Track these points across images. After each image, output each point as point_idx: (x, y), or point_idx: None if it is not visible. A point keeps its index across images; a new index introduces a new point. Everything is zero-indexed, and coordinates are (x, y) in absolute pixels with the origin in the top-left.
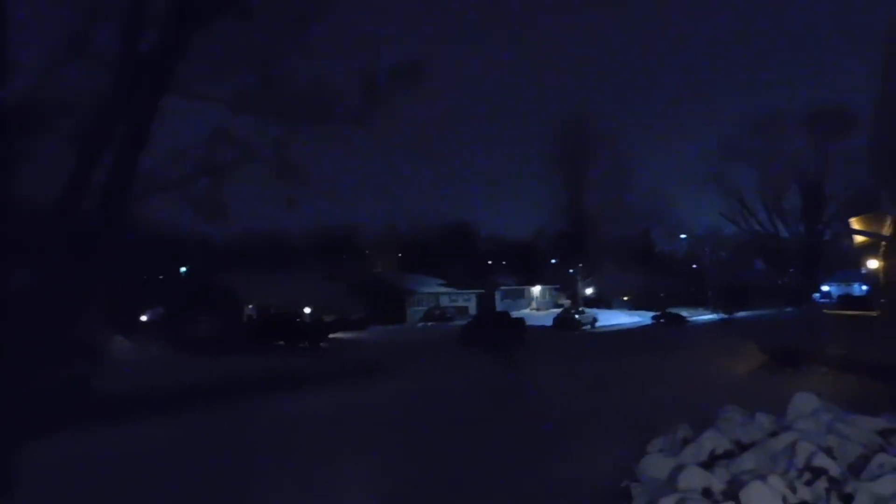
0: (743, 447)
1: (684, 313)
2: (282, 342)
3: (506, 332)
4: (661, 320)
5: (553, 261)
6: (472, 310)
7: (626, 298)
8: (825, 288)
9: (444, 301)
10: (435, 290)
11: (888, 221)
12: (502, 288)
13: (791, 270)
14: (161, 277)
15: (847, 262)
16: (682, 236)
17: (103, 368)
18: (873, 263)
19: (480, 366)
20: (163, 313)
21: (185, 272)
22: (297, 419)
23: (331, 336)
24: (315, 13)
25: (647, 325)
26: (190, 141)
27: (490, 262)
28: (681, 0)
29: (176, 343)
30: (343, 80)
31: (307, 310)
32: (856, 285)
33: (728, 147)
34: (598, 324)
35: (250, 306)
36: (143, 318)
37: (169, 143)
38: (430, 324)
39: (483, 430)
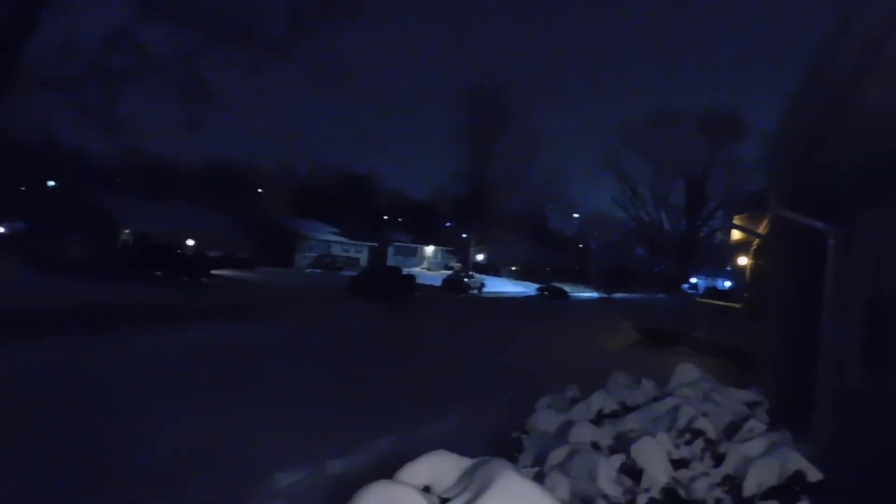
0: (628, 409)
1: (567, 288)
2: (159, 273)
3: (395, 286)
4: (545, 293)
5: (448, 224)
6: (364, 262)
7: (514, 268)
8: (693, 280)
9: (336, 250)
10: (327, 238)
11: (765, 222)
12: (396, 243)
13: (667, 260)
14: (23, 189)
15: (714, 259)
16: (575, 215)
17: None
18: (743, 260)
19: (367, 316)
20: (23, 229)
21: (53, 186)
22: (166, 354)
23: (214, 272)
24: None
25: (531, 296)
26: (87, 39)
27: (386, 217)
28: None
29: (36, 263)
30: (271, 4)
31: (190, 242)
32: (720, 280)
33: (627, 137)
34: (485, 289)
35: (127, 231)
36: None
37: (61, 37)
38: (318, 271)
39: (367, 378)
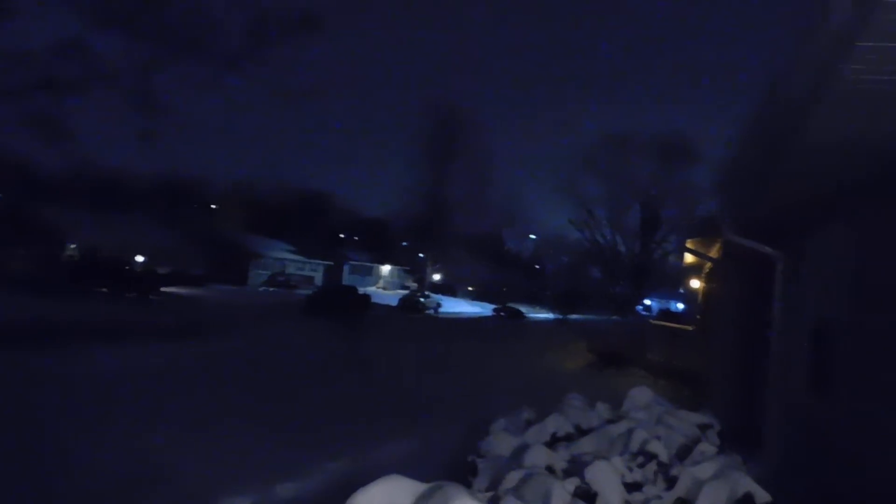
0: (583, 432)
1: (523, 309)
2: (105, 289)
3: (350, 306)
4: (501, 313)
5: (405, 243)
6: (319, 281)
7: (470, 288)
8: (647, 301)
9: (291, 268)
10: (282, 256)
11: (716, 246)
12: (351, 262)
13: (622, 282)
14: None
15: (668, 281)
16: (531, 237)
17: None
18: (695, 283)
19: (321, 336)
20: None
21: None
22: (102, 374)
23: (164, 289)
24: None
25: (487, 317)
26: (36, 49)
27: (342, 236)
28: (567, 12)
29: None
30: (229, 18)
31: (140, 258)
32: (673, 302)
33: (583, 160)
34: (441, 309)
35: (73, 246)
36: None
37: (8, 46)
38: (272, 289)
39: (318, 399)
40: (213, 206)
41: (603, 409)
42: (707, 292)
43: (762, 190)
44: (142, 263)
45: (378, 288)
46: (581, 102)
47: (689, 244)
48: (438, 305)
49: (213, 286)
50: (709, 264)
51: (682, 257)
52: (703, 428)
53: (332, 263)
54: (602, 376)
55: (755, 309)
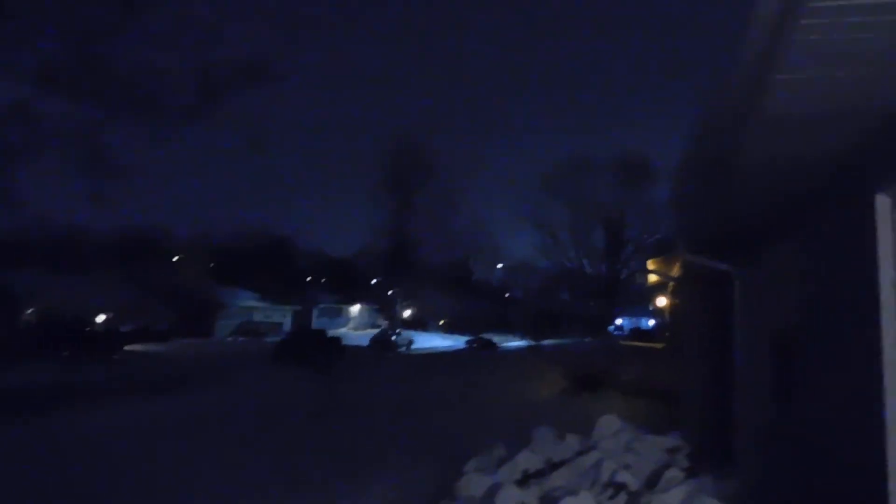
0: (554, 465)
1: (496, 339)
2: (66, 352)
3: (320, 350)
4: (474, 345)
5: (374, 281)
6: (288, 326)
7: (441, 322)
8: (619, 321)
9: (258, 316)
10: (248, 304)
11: (678, 265)
12: (320, 305)
13: (592, 303)
14: None
15: (638, 300)
16: (499, 265)
17: None
18: (661, 301)
19: (292, 384)
20: None
21: None
22: (59, 441)
23: (127, 347)
24: None
25: (460, 349)
26: None
27: (309, 278)
28: (520, 38)
29: None
30: (175, 72)
31: (101, 317)
32: (644, 320)
33: (546, 185)
34: (413, 346)
35: (30, 310)
36: None
37: None
38: (240, 339)
39: (286, 452)
40: (175, 259)
41: (573, 441)
42: (673, 310)
43: (709, 209)
44: (103, 323)
45: (349, 329)
46: (542, 128)
47: (650, 263)
48: (411, 342)
49: (179, 340)
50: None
51: (646, 276)
52: (672, 451)
53: (300, 308)
54: (576, 402)
55: (718, 325)
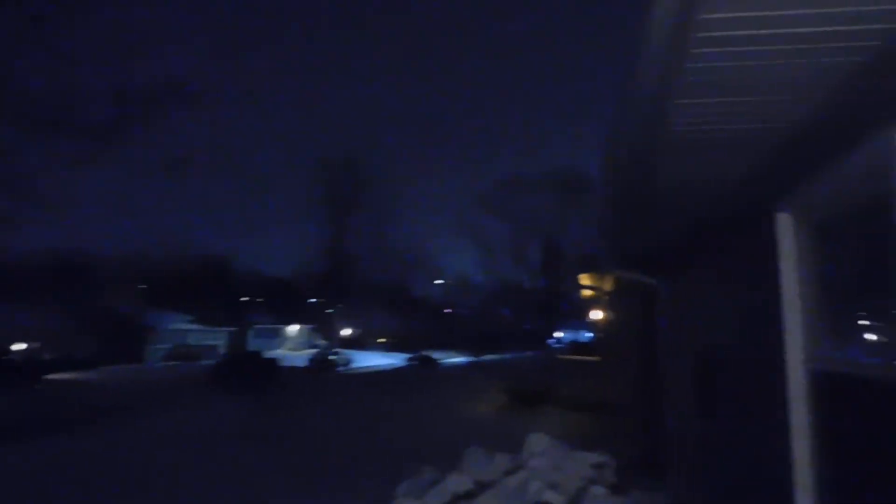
0: (483, 486)
1: (436, 355)
2: None
3: (256, 373)
4: (415, 362)
5: (312, 300)
6: (223, 349)
7: (381, 340)
8: (558, 334)
9: (192, 339)
10: (181, 327)
11: (610, 279)
12: (257, 326)
13: (532, 318)
14: None
15: (577, 313)
16: (439, 281)
17: None
18: (597, 314)
19: (225, 409)
20: None
21: None
22: None
23: (49, 376)
24: (57, 14)
25: (400, 367)
26: None
27: (245, 299)
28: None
29: None
30: (93, 91)
31: (20, 346)
32: (583, 333)
33: (485, 201)
34: (353, 365)
35: None
36: None
37: None
38: (173, 363)
39: (213, 482)
40: (104, 282)
41: (502, 460)
42: (607, 323)
43: (627, 227)
44: (22, 351)
45: (286, 350)
46: (480, 145)
47: (584, 278)
48: (350, 361)
49: (107, 368)
50: (607, 294)
51: (579, 290)
52: (599, 467)
53: (235, 329)
54: (514, 418)
55: (648, 338)
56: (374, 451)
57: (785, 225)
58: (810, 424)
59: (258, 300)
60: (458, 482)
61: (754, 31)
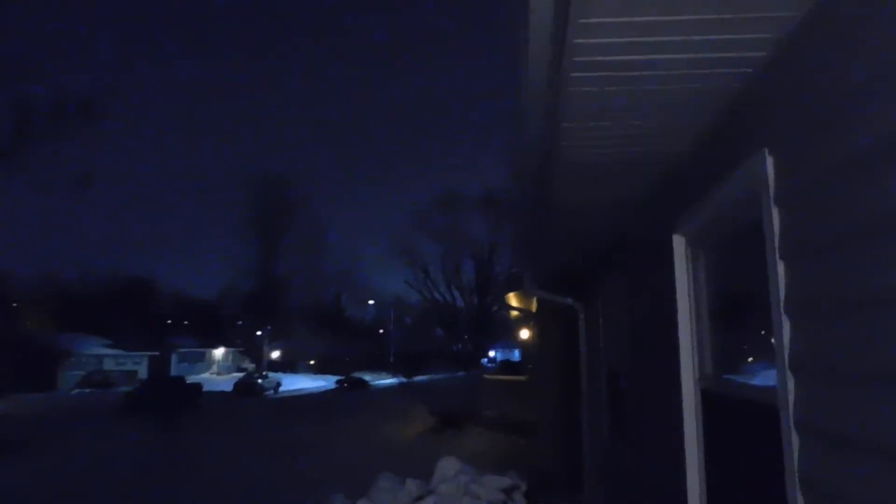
0: None
1: (367, 377)
2: None
3: (177, 399)
4: (345, 384)
5: (239, 322)
6: (144, 374)
7: (312, 362)
8: (492, 353)
9: (109, 364)
10: (98, 352)
11: (535, 299)
12: (180, 350)
13: (465, 337)
14: None
15: (509, 332)
16: (370, 302)
17: None
18: (525, 334)
19: (142, 439)
20: None
21: None
22: None
23: None
24: None
25: (329, 390)
26: None
27: (169, 322)
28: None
29: None
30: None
31: None
32: (515, 352)
33: (417, 221)
34: (281, 388)
35: None
36: None
37: None
38: (88, 391)
39: None
40: (14, 305)
41: (412, 486)
42: (533, 343)
43: (540, 247)
44: None
45: (211, 374)
46: (412, 165)
47: (511, 297)
48: (278, 385)
49: (15, 395)
50: (532, 314)
51: (508, 310)
52: (509, 491)
53: (157, 353)
54: (440, 440)
55: (570, 358)
56: (288, 479)
57: (679, 245)
58: (701, 440)
59: (183, 322)
60: None
61: (628, 57)
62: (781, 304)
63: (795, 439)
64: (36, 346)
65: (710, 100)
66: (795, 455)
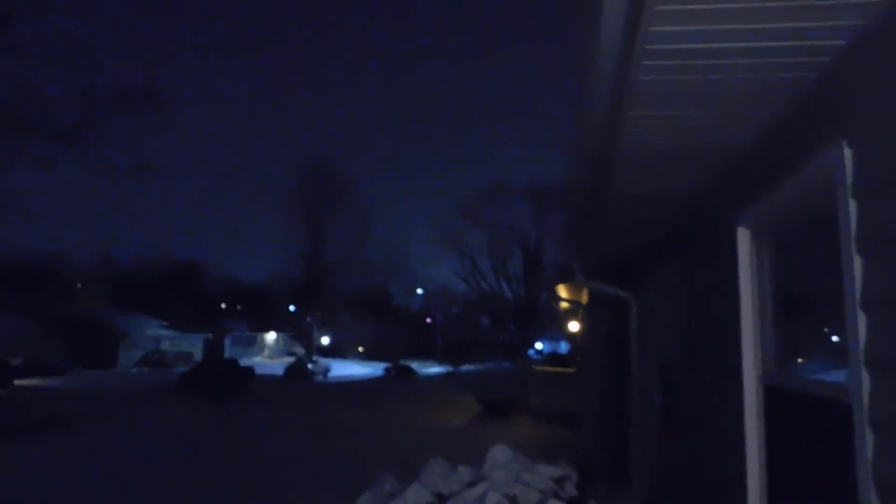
0: (443, 498)
1: (414, 365)
2: None
3: (231, 381)
4: (392, 372)
5: (290, 308)
6: (198, 356)
7: (360, 349)
8: (538, 345)
9: (166, 345)
10: (155, 333)
11: (585, 290)
12: (233, 333)
13: (511, 328)
14: None
15: (556, 323)
16: (419, 291)
17: None
18: (574, 326)
19: (197, 418)
20: None
21: None
22: None
23: (18, 382)
24: (21, 14)
25: (378, 377)
26: None
27: (223, 305)
28: (442, 65)
29: None
30: (58, 92)
31: None
32: (562, 344)
33: (465, 210)
34: (330, 374)
35: None
36: None
37: None
38: (146, 370)
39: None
40: (76, 287)
41: (464, 472)
42: (582, 334)
43: (595, 238)
44: None
45: (263, 358)
46: (462, 153)
47: (561, 289)
48: (327, 370)
49: (78, 373)
50: (583, 305)
51: (558, 302)
52: (560, 480)
53: (211, 336)
54: (487, 428)
55: (620, 350)
56: (340, 462)
57: (743, 238)
58: (762, 438)
59: (236, 307)
60: (418, 493)
61: (701, 45)
62: (857, 299)
63: (870, 438)
64: (98, 325)
65: (783, 90)
66: (869, 455)
